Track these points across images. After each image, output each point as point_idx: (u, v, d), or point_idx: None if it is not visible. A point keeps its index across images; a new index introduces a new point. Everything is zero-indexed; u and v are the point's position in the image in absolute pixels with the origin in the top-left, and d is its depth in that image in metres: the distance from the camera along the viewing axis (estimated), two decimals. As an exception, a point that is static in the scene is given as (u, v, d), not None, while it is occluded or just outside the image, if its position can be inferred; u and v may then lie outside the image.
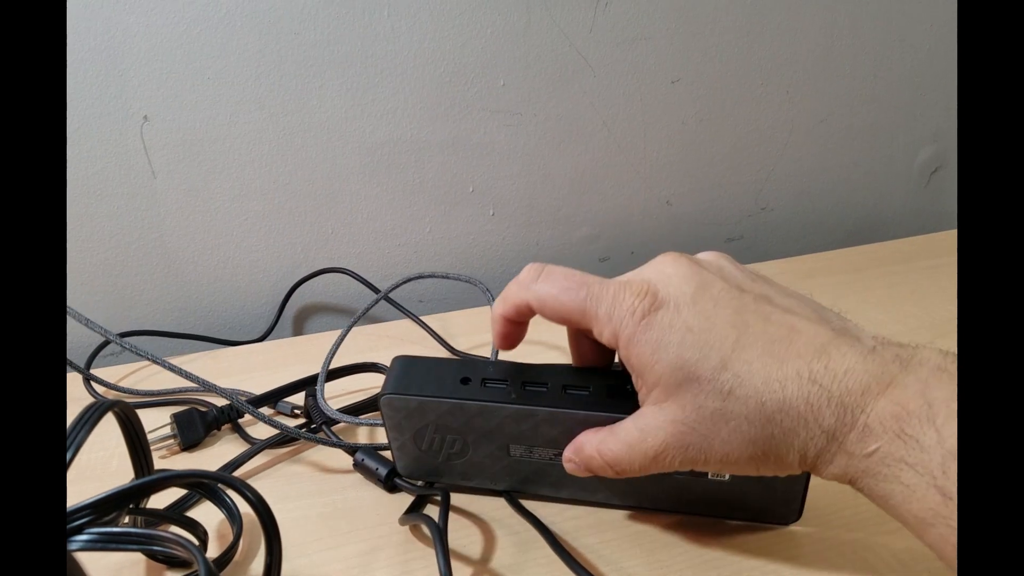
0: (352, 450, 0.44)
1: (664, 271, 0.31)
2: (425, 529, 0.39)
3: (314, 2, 0.59)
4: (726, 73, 0.71)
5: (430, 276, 0.59)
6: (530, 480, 0.39)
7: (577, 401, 0.34)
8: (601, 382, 0.34)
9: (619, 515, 0.39)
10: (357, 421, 0.45)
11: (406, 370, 0.37)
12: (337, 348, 0.51)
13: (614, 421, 0.32)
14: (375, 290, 0.67)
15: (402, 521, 0.39)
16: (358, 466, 0.43)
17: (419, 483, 0.41)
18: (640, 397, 0.31)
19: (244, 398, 0.49)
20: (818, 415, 0.28)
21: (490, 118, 0.66)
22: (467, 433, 0.37)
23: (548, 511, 0.39)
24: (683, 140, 0.73)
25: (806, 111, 0.76)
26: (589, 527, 0.39)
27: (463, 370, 0.36)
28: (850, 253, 0.73)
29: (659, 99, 0.70)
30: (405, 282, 0.58)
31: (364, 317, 0.70)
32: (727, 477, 0.36)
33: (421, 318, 0.62)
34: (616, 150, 0.71)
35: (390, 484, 0.42)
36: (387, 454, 0.43)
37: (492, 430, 0.36)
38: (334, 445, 0.44)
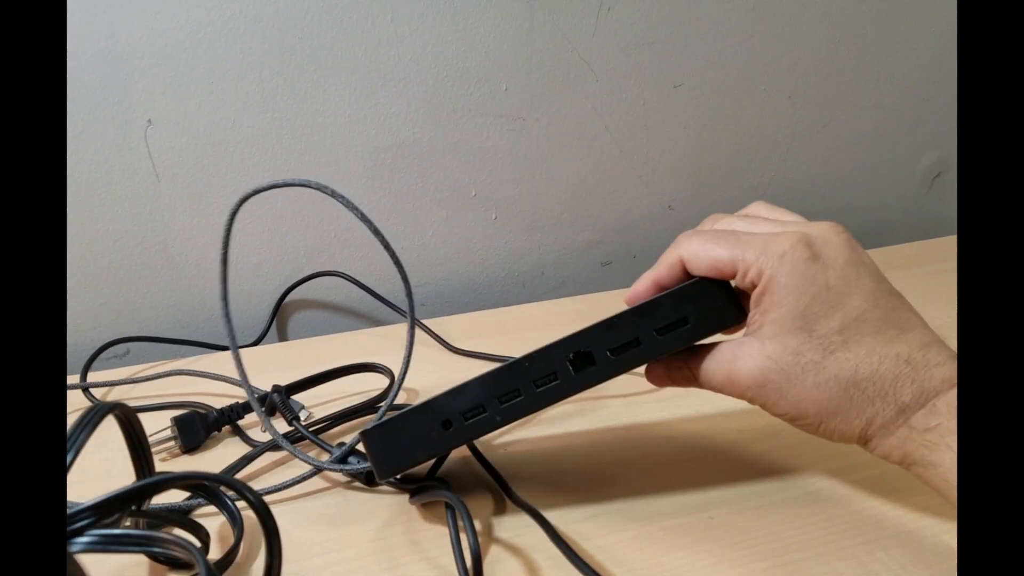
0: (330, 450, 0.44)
1: (826, 236, 0.33)
2: (433, 505, 0.39)
3: (317, 7, 0.59)
4: (728, 78, 0.72)
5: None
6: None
7: (552, 393, 0.36)
8: (562, 359, 0.35)
9: (624, 517, 0.39)
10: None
11: (386, 443, 0.36)
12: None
13: (589, 386, 0.35)
14: (372, 293, 0.67)
15: (414, 500, 0.40)
16: (335, 462, 0.43)
17: (399, 478, 0.42)
18: (748, 328, 0.34)
19: (241, 402, 0.49)
20: (899, 391, 0.31)
21: (493, 122, 0.67)
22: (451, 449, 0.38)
23: (551, 515, 0.39)
24: (685, 145, 0.73)
25: (808, 116, 0.76)
26: (598, 528, 0.38)
27: (438, 414, 0.36)
28: (853, 258, 0.73)
29: (662, 104, 0.71)
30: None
31: (366, 319, 0.70)
32: None
33: (423, 321, 0.62)
34: (618, 155, 0.71)
35: (371, 479, 0.42)
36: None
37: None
38: (315, 442, 0.45)
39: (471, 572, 0.33)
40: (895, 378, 0.31)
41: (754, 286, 0.33)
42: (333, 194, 0.41)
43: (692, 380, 0.36)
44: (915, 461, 0.32)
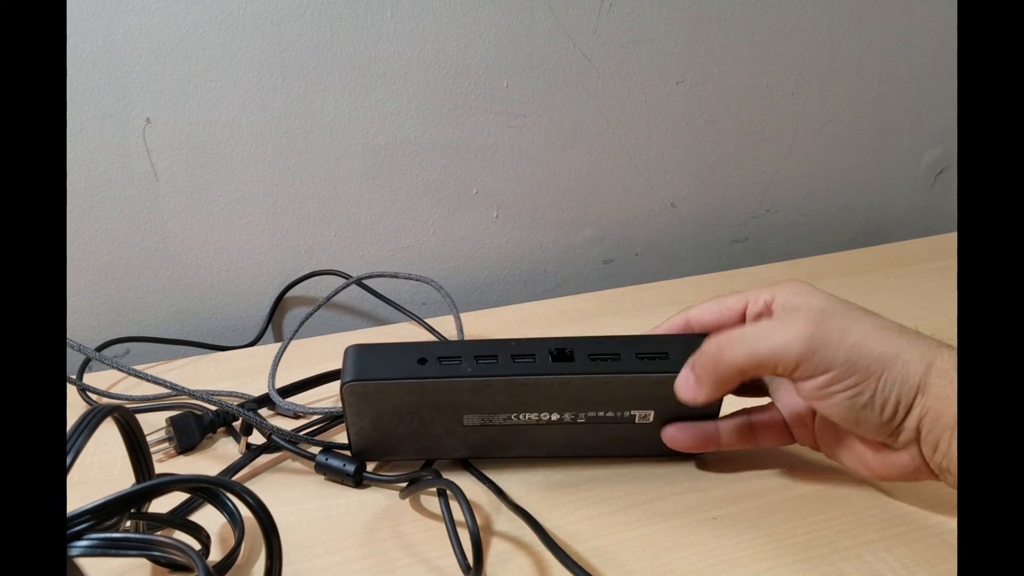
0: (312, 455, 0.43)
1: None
2: (425, 500, 0.40)
3: (317, 3, 0.58)
4: (731, 74, 0.71)
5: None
6: (481, 446, 0.42)
7: (526, 367, 0.37)
8: (544, 348, 0.38)
9: (624, 518, 0.39)
10: (300, 409, 0.45)
11: (363, 357, 0.38)
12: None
13: (561, 381, 0.37)
14: (372, 292, 0.66)
15: (404, 494, 0.40)
16: (321, 467, 0.43)
17: (387, 475, 0.42)
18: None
19: (238, 402, 0.49)
20: (943, 343, 0.34)
21: (494, 120, 0.66)
22: (423, 408, 0.39)
23: (552, 515, 0.39)
24: (688, 142, 0.73)
25: (811, 112, 0.76)
26: (599, 529, 0.38)
27: (418, 351, 0.38)
28: (856, 255, 0.73)
29: (663, 100, 0.70)
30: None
31: (371, 319, 0.70)
32: (651, 419, 0.40)
33: (425, 320, 0.62)
34: (620, 152, 0.71)
35: (358, 479, 0.42)
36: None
37: (448, 403, 0.39)
38: (295, 452, 0.44)
39: (471, 555, 0.33)
40: (928, 338, 0.34)
41: (767, 306, 0.37)
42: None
43: (719, 362, 0.35)
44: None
